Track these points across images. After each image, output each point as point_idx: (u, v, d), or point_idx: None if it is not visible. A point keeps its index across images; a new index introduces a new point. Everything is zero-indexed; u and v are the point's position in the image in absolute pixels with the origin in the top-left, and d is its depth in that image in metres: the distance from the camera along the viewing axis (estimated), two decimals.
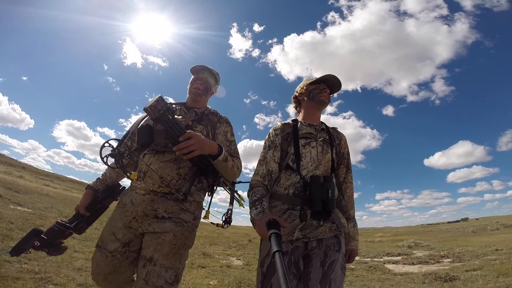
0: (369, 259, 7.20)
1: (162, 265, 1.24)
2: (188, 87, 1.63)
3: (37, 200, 8.21)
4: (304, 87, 1.56)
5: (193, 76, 1.63)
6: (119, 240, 1.32)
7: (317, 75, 1.45)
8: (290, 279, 1.09)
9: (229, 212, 1.58)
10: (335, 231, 1.32)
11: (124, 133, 1.54)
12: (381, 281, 4.23)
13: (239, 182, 1.64)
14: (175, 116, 1.41)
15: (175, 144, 1.22)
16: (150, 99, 1.27)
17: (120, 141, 1.37)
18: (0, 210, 4.96)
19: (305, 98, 1.55)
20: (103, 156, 1.28)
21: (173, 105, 1.59)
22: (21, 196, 7.94)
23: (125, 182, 1.63)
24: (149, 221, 1.30)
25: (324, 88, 1.50)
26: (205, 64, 1.61)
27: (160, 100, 1.26)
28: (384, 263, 6.20)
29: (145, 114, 1.30)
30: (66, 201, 10.28)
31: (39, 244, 1.31)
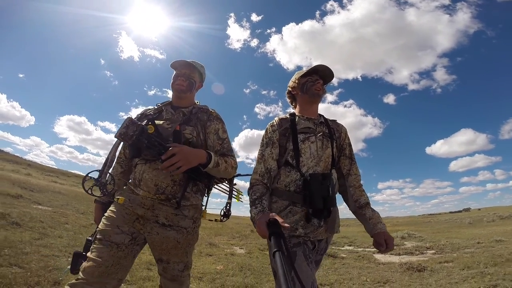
0: (361, 249, 7.67)
1: (174, 261, 1.39)
2: (170, 84, 1.52)
3: (52, 198, 8.66)
4: (296, 81, 1.50)
5: (174, 72, 1.53)
6: (124, 232, 1.29)
7: (316, 64, 1.45)
8: (310, 266, 1.17)
9: (228, 206, 1.62)
10: (327, 234, 1.34)
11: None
12: (362, 269, 4.72)
13: (238, 175, 1.63)
14: (160, 123, 1.40)
15: (161, 163, 1.24)
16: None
17: (101, 172, 1.33)
18: (28, 210, 5.43)
19: (299, 92, 1.49)
20: (87, 189, 1.27)
21: (159, 105, 1.55)
22: (37, 195, 8.34)
23: None
24: (151, 225, 1.33)
25: (316, 79, 1.44)
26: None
27: (130, 124, 1.21)
28: (374, 253, 6.54)
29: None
30: (78, 198, 10.67)
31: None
